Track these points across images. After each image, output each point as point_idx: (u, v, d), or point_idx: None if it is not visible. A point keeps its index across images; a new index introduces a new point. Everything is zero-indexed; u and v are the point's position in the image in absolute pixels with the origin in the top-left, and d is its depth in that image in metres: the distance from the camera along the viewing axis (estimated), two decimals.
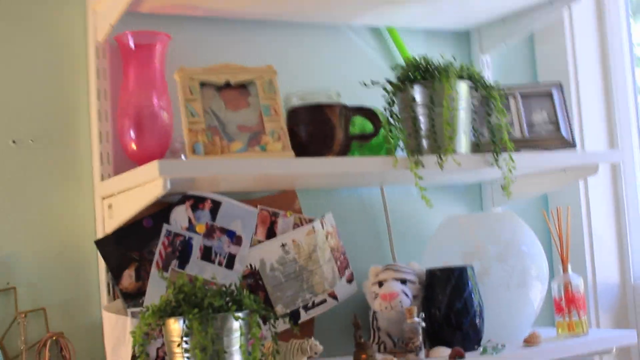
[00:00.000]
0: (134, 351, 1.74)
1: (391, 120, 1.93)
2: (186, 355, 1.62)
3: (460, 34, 2.50)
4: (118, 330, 1.86)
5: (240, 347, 1.64)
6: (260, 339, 1.69)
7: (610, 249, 2.56)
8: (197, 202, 1.97)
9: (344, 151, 1.91)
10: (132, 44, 1.93)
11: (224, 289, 1.70)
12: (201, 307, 1.63)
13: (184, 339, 1.63)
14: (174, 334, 1.64)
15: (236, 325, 1.64)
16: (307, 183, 2.08)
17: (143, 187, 1.73)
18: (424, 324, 1.94)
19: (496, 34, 2.42)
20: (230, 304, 1.66)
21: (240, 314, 1.64)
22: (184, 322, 1.62)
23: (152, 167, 1.63)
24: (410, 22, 2.36)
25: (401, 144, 1.95)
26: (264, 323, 1.94)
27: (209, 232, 1.98)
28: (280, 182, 1.98)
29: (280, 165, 1.76)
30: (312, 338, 1.79)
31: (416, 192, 2.30)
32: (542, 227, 2.45)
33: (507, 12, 2.34)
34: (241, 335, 1.64)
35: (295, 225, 2.07)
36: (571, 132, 2.17)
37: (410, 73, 1.92)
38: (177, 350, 1.64)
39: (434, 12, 2.29)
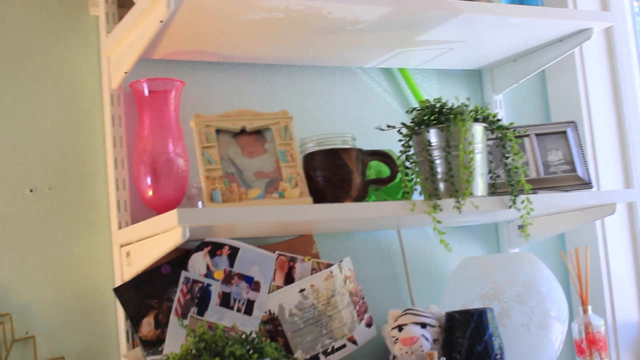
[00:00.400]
0: None
1: (407, 164, 1.93)
2: None
3: (472, 73, 2.51)
4: None
5: None
6: None
7: (629, 288, 2.54)
8: (215, 249, 1.97)
9: (362, 196, 1.91)
10: (146, 91, 1.94)
11: (244, 336, 1.69)
12: (222, 356, 1.62)
13: None
14: None
15: None
16: (325, 228, 2.08)
17: (162, 235, 1.73)
18: None
19: (508, 74, 2.43)
20: (251, 352, 1.65)
21: None
22: None
23: (171, 216, 1.63)
24: (422, 63, 2.37)
25: (417, 187, 1.95)
26: None
27: (228, 279, 1.97)
28: (298, 228, 1.97)
29: (298, 212, 1.75)
30: None
31: (433, 234, 2.32)
32: (560, 267, 2.44)
33: (518, 52, 2.35)
34: None
35: (314, 270, 2.07)
36: (587, 171, 2.16)
37: (425, 116, 1.92)
38: None
39: (446, 54, 2.30)
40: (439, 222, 1.86)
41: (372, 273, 2.27)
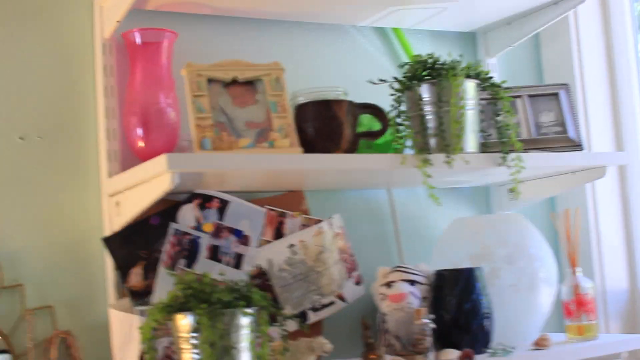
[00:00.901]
0: (142, 349, 1.74)
1: (399, 118, 1.93)
2: (194, 351, 1.61)
3: (466, 36, 2.51)
4: (125, 328, 1.85)
5: (249, 343, 1.63)
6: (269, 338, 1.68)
7: (618, 253, 2.55)
8: (204, 201, 1.96)
9: (352, 149, 1.90)
10: (139, 41, 1.93)
11: (232, 284, 1.69)
12: (210, 302, 1.62)
13: (193, 334, 1.61)
14: (182, 329, 1.63)
15: (245, 321, 1.63)
16: (315, 183, 2.07)
17: (151, 182, 1.73)
18: (433, 325, 1.92)
19: (502, 37, 2.43)
20: (239, 300, 1.65)
21: (249, 310, 1.63)
22: (193, 317, 1.61)
23: (160, 161, 1.63)
24: (415, 24, 2.37)
25: (409, 143, 1.95)
26: (272, 322, 1.94)
27: (217, 232, 1.97)
28: (288, 181, 1.97)
29: (288, 161, 1.75)
30: (321, 337, 1.77)
31: (424, 194, 2.32)
32: (550, 230, 2.44)
33: (512, 14, 2.35)
34: (250, 331, 1.63)
35: (303, 226, 2.07)
36: (578, 133, 2.16)
37: (417, 71, 1.91)
38: (186, 346, 1.62)
39: (439, 14, 2.29)
40: (428, 176, 1.86)
41: (362, 232, 2.27)
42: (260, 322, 1.66)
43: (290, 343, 1.76)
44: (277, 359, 1.72)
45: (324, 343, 1.75)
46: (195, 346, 1.61)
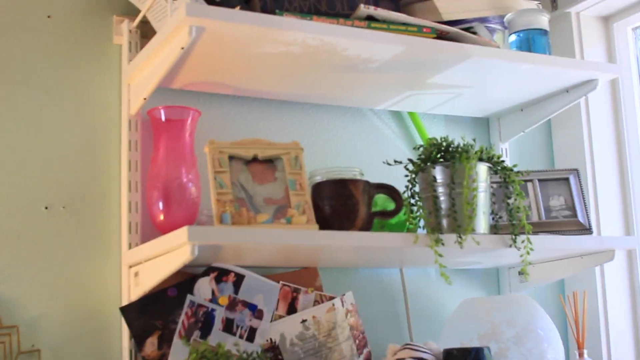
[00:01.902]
0: None
1: (412, 199, 1.99)
2: None
3: (480, 121, 2.57)
4: None
5: None
6: None
7: (626, 336, 2.57)
8: (221, 275, 2.01)
9: (366, 227, 1.95)
10: (163, 118, 2.00)
11: (245, 355, 1.73)
12: None
13: None
14: None
15: None
16: (329, 260, 2.12)
17: (170, 253, 1.78)
18: None
19: (514, 122, 2.49)
20: None
21: None
22: None
23: (182, 233, 1.68)
24: (431, 108, 2.44)
25: (421, 223, 2.00)
26: None
27: (232, 305, 2.01)
28: (303, 257, 2.02)
29: (305, 237, 1.80)
30: None
31: (435, 275, 2.36)
32: (559, 311, 2.48)
33: (525, 101, 2.41)
34: None
35: (316, 302, 2.11)
36: (587, 217, 2.21)
37: (431, 154, 1.98)
38: None
39: (454, 99, 2.36)
40: (440, 255, 1.90)
41: (373, 310, 2.31)
42: None
43: None
44: None
45: None
46: None
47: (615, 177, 2.64)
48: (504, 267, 2.47)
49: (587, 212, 2.22)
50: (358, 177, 1.97)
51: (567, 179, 2.25)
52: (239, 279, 2.03)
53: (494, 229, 2.05)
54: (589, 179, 2.58)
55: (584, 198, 2.24)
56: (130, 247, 2.00)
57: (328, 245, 1.83)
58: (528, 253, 1.99)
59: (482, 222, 1.97)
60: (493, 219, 2.06)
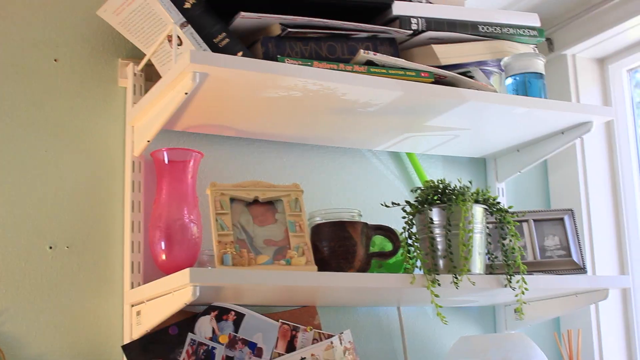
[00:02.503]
0: None
1: (410, 240, 2.03)
2: None
3: (477, 161, 2.61)
4: None
5: None
6: None
7: None
8: (221, 314, 2.05)
9: (364, 268, 1.99)
10: (166, 160, 2.04)
11: None
12: None
13: None
14: None
15: None
16: (328, 299, 2.16)
17: (172, 294, 1.81)
18: None
19: (511, 163, 2.53)
20: None
21: None
22: None
23: (183, 274, 1.72)
24: (428, 149, 2.48)
25: (418, 264, 2.04)
26: None
27: (232, 343, 2.04)
28: (302, 296, 2.05)
29: (303, 278, 1.84)
30: None
31: (432, 313, 2.39)
32: (554, 349, 2.51)
33: (521, 142, 2.45)
34: None
35: (315, 340, 2.14)
36: (582, 257, 2.25)
37: (429, 196, 2.02)
38: None
39: (452, 141, 2.41)
40: (436, 295, 1.94)
41: (371, 347, 2.34)
42: None
43: None
44: None
45: None
46: None
47: (610, 217, 2.68)
48: (500, 304, 2.50)
49: (581, 252, 2.26)
50: (356, 219, 2.01)
51: (562, 219, 2.29)
52: (239, 318, 2.06)
53: (490, 268, 2.09)
54: (584, 218, 2.62)
55: (578, 238, 2.27)
56: (132, 286, 2.03)
57: (326, 286, 1.87)
58: (523, 293, 2.03)
59: (477, 262, 2.01)
60: (489, 259, 2.10)
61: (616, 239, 2.68)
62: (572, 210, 2.32)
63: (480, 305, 2.50)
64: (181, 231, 2.01)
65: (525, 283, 2.03)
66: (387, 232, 2.04)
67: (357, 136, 2.33)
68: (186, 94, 1.82)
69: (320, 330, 2.17)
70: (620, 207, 2.69)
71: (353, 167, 2.43)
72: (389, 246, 2.09)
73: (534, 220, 2.28)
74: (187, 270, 1.71)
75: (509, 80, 2.27)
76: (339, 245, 1.96)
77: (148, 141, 2.02)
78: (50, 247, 2.04)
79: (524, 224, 2.27)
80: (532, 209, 2.35)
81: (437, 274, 1.96)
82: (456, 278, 1.95)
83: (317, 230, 1.99)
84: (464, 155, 2.58)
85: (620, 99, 2.76)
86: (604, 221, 2.66)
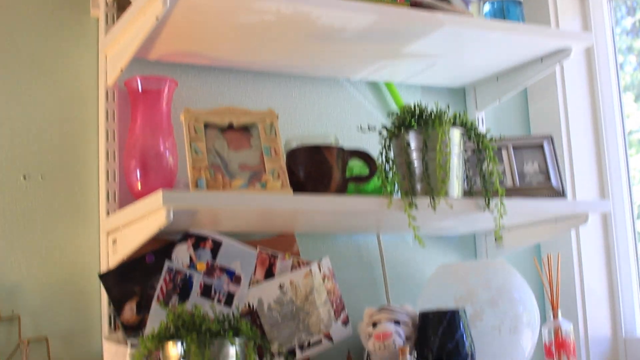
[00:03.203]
0: None
1: (387, 164, 2.01)
2: None
3: (456, 91, 2.60)
4: None
5: None
6: None
7: (601, 301, 2.60)
8: (198, 241, 2.04)
9: (341, 192, 1.98)
10: (140, 88, 2.02)
11: (221, 316, 1.76)
12: (199, 331, 1.69)
13: None
14: (172, 357, 1.70)
15: (232, 351, 1.70)
16: (306, 226, 2.15)
17: (147, 218, 1.80)
18: None
19: (490, 91, 2.52)
20: (227, 330, 1.72)
21: (236, 339, 1.70)
22: (182, 346, 1.68)
23: (156, 197, 1.70)
24: (406, 78, 2.46)
25: (397, 189, 2.02)
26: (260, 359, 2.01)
27: (210, 271, 2.04)
28: (280, 223, 2.05)
29: (279, 201, 1.83)
30: None
31: (412, 241, 2.39)
32: (535, 276, 2.51)
33: (500, 70, 2.43)
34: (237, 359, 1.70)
35: (293, 268, 2.14)
36: (561, 182, 2.24)
37: (405, 120, 2.00)
38: None
39: (429, 69, 2.39)
40: (413, 218, 1.93)
41: (350, 276, 2.34)
42: (247, 352, 1.73)
43: None
44: None
45: None
46: None
47: (590, 143, 2.66)
48: (480, 233, 2.50)
49: (561, 178, 2.25)
50: (332, 143, 1.99)
51: (541, 146, 2.28)
52: (217, 246, 2.06)
53: (468, 194, 2.08)
54: (565, 145, 2.60)
55: (557, 164, 2.26)
56: (108, 215, 2.02)
57: (302, 209, 1.86)
58: (501, 216, 2.02)
59: (455, 186, 2.00)
60: (467, 184, 2.09)
61: (596, 165, 2.66)
62: (551, 136, 2.30)
63: (460, 233, 2.50)
64: (156, 159, 2.00)
65: (504, 206, 2.02)
66: (363, 156, 2.02)
67: (334, 64, 2.31)
68: (157, 18, 1.79)
69: (299, 257, 2.17)
70: (600, 133, 2.67)
71: (330, 96, 2.41)
72: (366, 172, 2.08)
73: (513, 147, 2.26)
74: (159, 192, 1.69)
75: (487, 7, 2.26)
76: (315, 169, 1.95)
77: (121, 69, 2.00)
78: (24, 177, 2.02)
79: (503, 151, 2.25)
80: (511, 135, 2.34)
81: (415, 197, 1.94)
82: (433, 201, 1.94)
83: (293, 155, 1.98)
84: (443, 84, 2.56)
85: (600, 24, 2.73)
86: (584, 147, 2.65)
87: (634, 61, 2.83)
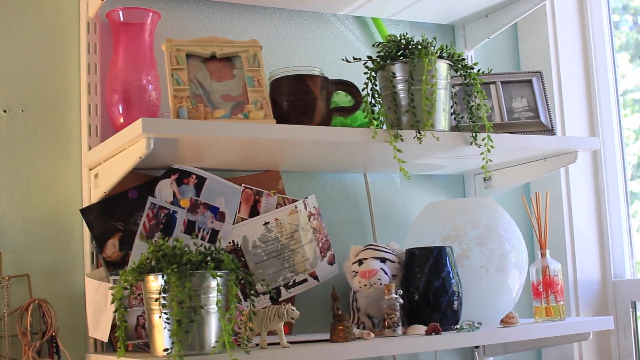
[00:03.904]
0: (114, 319, 1.77)
1: (371, 97, 1.97)
2: (164, 311, 1.65)
3: (445, 28, 2.56)
4: (99, 297, 1.88)
5: (217, 303, 1.66)
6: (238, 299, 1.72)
7: (590, 243, 2.58)
8: (182, 177, 2.01)
9: (325, 124, 1.94)
10: (122, 20, 1.98)
11: (203, 248, 1.73)
12: (180, 263, 1.66)
13: (162, 295, 1.65)
14: (153, 290, 1.67)
15: (214, 283, 1.67)
16: (291, 162, 2.12)
17: (127, 150, 1.77)
18: (401, 300, 1.96)
19: (480, 29, 2.48)
20: (209, 262, 1.69)
21: (218, 272, 1.67)
22: (162, 278, 1.65)
23: (136, 125, 1.67)
24: (394, 14, 2.42)
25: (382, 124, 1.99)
26: (245, 299, 1.98)
27: (193, 207, 2.01)
28: (264, 157, 2.01)
29: (262, 131, 1.79)
30: (290, 304, 1.80)
31: (400, 180, 2.36)
32: (524, 218, 2.48)
33: (490, 6, 2.40)
34: (219, 292, 1.67)
35: (279, 205, 2.11)
36: (550, 119, 2.21)
37: (391, 51, 1.96)
38: (155, 306, 1.66)
39: (417, 4, 2.34)
40: (399, 151, 1.90)
41: (337, 214, 2.31)
42: (229, 285, 1.70)
43: (258, 310, 1.79)
44: (245, 324, 1.76)
45: (291, 310, 1.78)
46: (164, 306, 1.64)
47: (580, 80, 2.63)
48: (469, 173, 2.47)
49: (550, 114, 2.21)
50: (316, 73, 1.95)
51: (530, 81, 2.25)
52: (201, 182, 2.03)
53: (456, 129, 2.05)
54: (554, 81, 2.57)
55: (547, 100, 2.23)
56: (90, 148, 1.98)
57: (285, 139, 1.82)
58: (489, 151, 1.99)
59: (442, 119, 1.96)
60: (455, 119, 2.06)
61: (586, 102, 2.63)
62: (540, 72, 2.27)
63: (449, 173, 2.47)
64: (139, 93, 1.97)
65: (491, 140, 1.98)
66: (348, 86, 1.98)
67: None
68: None
69: (285, 195, 2.14)
70: (590, 69, 2.64)
71: (317, 31, 2.37)
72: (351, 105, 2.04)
73: (502, 82, 2.23)
74: (139, 121, 1.66)
75: None
76: (299, 99, 1.91)
77: (102, 0, 1.95)
78: (5, 111, 1.98)
79: (491, 86, 2.22)
80: (499, 72, 2.30)
81: (400, 129, 1.91)
82: (419, 133, 1.91)
83: (276, 85, 1.94)
84: (432, 21, 2.52)
85: None
86: (574, 84, 2.62)
87: (630, 20, 2.79)
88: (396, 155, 1.90)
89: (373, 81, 1.97)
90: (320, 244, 2.12)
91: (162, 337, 1.67)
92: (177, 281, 1.64)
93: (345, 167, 2.27)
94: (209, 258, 1.71)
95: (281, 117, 1.89)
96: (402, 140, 1.90)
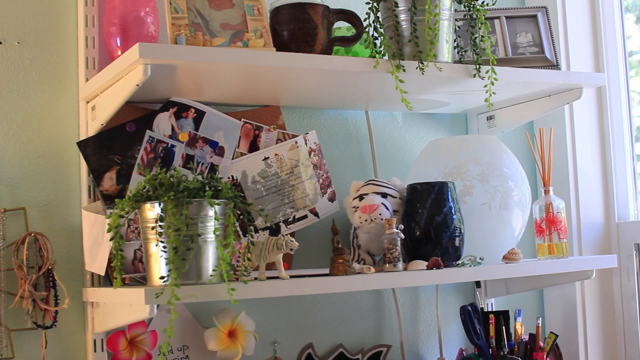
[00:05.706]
0: (110, 253, 1.75)
1: (373, 28, 1.93)
2: (160, 239, 1.62)
3: None
4: (96, 230, 1.86)
5: (215, 231, 1.64)
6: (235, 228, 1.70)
7: (594, 184, 2.56)
8: (180, 110, 1.98)
9: (326, 53, 1.91)
10: None
11: (201, 177, 1.70)
12: (177, 191, 1.63)
13: (159, 223, 1.63)
14: (149, 218, 1.64)
15: (211, 212, 1.64)
16: (291, 97, 2.09)
17: (124, 79, 1.73)
18: (402, 235, 1.93)
19: None
20: (207, 190, 1.66)
21: (215, 200, 1.64)
22: (159, 206, 1.63)
23: (133, 50, 1.63)
24: None
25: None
26: (244, 235, 1.96)
27: (192, 141, 1.99)
28: (264, 90, 1.98)
29: (261, 57, 1.75)
30: (288, 235, 1.78)
31: (402, 118, 2.33)
32: (527, 155, 2.45)
33: None
34: (216, 221, 1.65)
35: (279, 140, 2.08)
36: (555, 54, 2.17)
37: None
38: (152, 235, 1.64)
39: None
40: (401, 81, 1.86)
41: (338, 151, 2.28)
42: (227, 214, 1.68)
43: (257, 242, 1.76)
44: (244, 254, 1.73)
45: (290, 241, 1.75)
46: (160, 234, 1.62)
47: (586, 15, 2.59)
48: (472, 112, 2.43)
49: (554, 49, 2.18)
50: (317, 1, 1.91)
51: (535, 16, 2.21)
52: (200, 115, 2.00)
53: (459, 63, 2.01)
54: (560, 17, 2.53)
55: (552, 35, 2.19)
56: (87, 82, 1.95)
57: (285, 67, 1.78)
58: (492, 84, 1.95)
59: (444, 51, 1.93)
60: (458, 52, 2.02)
61: (591, 39, 2.59)
62: (545, 7, 2.23)
63: (452, 112, 2.43)
64: (136, 24, 1.92)
65: (495, 73, 1.95)
66: (349, 16, 1.94)
67: None
68: None
69: (285, 130, 2.11)
70: (596, 4, 2.59)
71: None
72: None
73: (506, 17, 2.19)
74: (136, 46, 1.62)
75: None
76: (299, 27, 1.88)
77: None
78: (0, 43, 1.95)
79: (496, 21, 2.18)
80: (504, 6, 2.26)
81: (402, 60, 1.88)
82: (422, 63, 1.87)
83: (276, 14, 1.90)
84: None
85: None
86: (579, 19, 2.57)
87: None
88: (398, 86, 1.86)
89: (375, 11, 1.94)
90: (321, 181, 2.09)
91: (158, 266, 1.64)
92: (173, 209, 1.61)
93: (346, 103, 2.23)
94: (207, 187, 1.68)
95: (281, 46, 1.86)
96: (404, 70, 1.86)
